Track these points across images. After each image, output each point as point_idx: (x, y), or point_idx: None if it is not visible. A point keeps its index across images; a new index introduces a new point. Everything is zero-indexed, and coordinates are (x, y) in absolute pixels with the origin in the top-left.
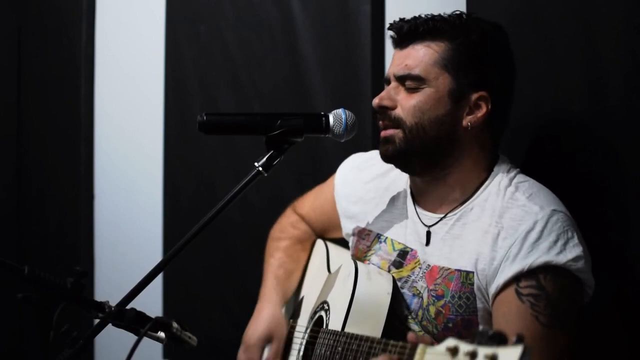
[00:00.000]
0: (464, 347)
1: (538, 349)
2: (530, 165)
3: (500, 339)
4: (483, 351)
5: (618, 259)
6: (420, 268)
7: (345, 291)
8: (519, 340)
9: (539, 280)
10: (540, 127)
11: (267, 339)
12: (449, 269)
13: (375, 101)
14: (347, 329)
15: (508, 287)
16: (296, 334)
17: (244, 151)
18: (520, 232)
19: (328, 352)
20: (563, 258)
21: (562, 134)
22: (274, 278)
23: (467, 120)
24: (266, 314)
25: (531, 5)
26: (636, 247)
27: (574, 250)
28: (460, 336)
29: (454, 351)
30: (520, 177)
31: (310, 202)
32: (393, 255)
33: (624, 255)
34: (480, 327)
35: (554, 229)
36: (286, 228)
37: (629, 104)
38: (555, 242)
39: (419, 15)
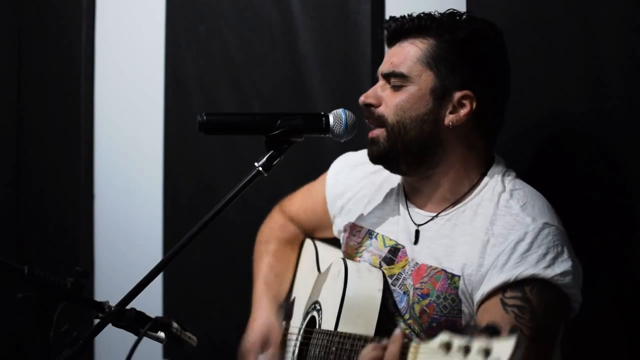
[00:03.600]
0: (458, 342)
1: None
2: (530, 166)
3: (493, 332)
4: (477, 345)
5: (618, 259)
6: (409, 266)
7: (336, 290)
8: (513, 331)
9: (524, 292)
10: (540, 127)
11: (262, 345)
12: (436, 268)
13: (361, 99)
14: (339, 328)
15: (493, 296)
16: (290, 336)
17: (244, 151)
18: (510, 241)
19: (322, 353)
20: (550, 272)
21: (562, 135)
22: (264, 284)
23: (449, 119)
24: (259, 321)
25: (531, 5)
26: (636, 247)
27: (562, 265)
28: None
29: (447, 346)
30: (516, 184)
31: (299, 202)
32: (384, 251)
33: (624, 255)
34: (473, 321)
35: (544, 242)
36: (274, 231)
37: (629, 104)
38: (545, 255)
39: (410, 14)
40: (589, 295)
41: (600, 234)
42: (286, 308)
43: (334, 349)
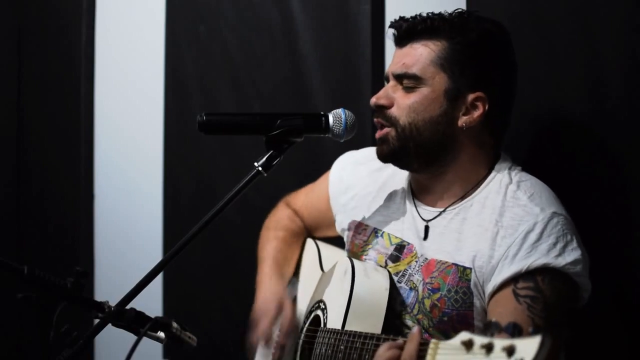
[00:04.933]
0: (479, 340)
1: None
2: (531, 165)
3: (515, 330)
4: (500, 343)
5: (618, 259)
6: (417, 262)
7: (343, 289)
8: (537, 331)
9: (536, 282)
10: (540, 127)
11: (276, 311)
12: (447, 262)
13: (373, 100)
14: (346, 327)
15: (505, 287)
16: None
17: (244, 151)
18: (520, 232)
19: (329, 351)
20: (562, 261)
21: (562, 134)
22: (271, 262)
23: (462, 121)
24: (268, 292)
25: (531, 5)
26: (636, 247)
27: (572, 253)
28: (455, 330)
29: (468, 345)
30: (523, 176)
31: (302, 198)
32: (390, 249)
33: (624, 255)
34: (494, 319)
35: (554, 231)
36: (282, 219)
37: (629, 104)
38: (555, 244)
39: (419, 14)
40: (589, 295)
41: (600, 234)
42: (292, 292)
43: (342, 347)
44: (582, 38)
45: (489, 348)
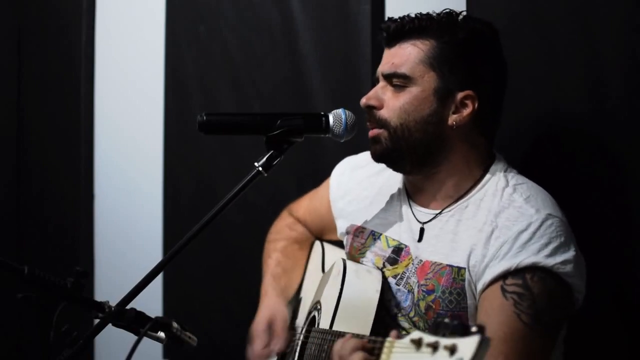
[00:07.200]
0: (427, 339)
1: (516, 348)
2: (530, 165)
3: (462, 331)
4: (444, 342)
5: (618, 259)
6: (412, 264)
7: (334, 290)
8: (479, 330)
9: (525, 280)
10: (540, 127)
11: (267, 329)
12: (441, 264)
13: (363, 100)
14: (335, 327)
15: (494, 283)
16: (294, 334)
17: (244, 151)
18: (513, 232)
19: (317, 351)
20: (552, 261)
21: (562, 134)
22: (271, 277)
23: (452, 119)
24: (265, 306)
25: (531, 5)
26: (636, 247)
27: (564, 254)
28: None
29: (417, 343)
30: (519, 179)
31: (305, 205)
32: (387, 252)
33: (624, 255)
34: (446, 320)
35: (547, 232)
36: (282, 229)
37: (629, 104)
38: (547, 245)
39: (407, 14)
40: (589, 295)
41: (600, 234)
42: (294, 307)
43: (326, 347)
44: (582, 38)
45: (434, 347)
